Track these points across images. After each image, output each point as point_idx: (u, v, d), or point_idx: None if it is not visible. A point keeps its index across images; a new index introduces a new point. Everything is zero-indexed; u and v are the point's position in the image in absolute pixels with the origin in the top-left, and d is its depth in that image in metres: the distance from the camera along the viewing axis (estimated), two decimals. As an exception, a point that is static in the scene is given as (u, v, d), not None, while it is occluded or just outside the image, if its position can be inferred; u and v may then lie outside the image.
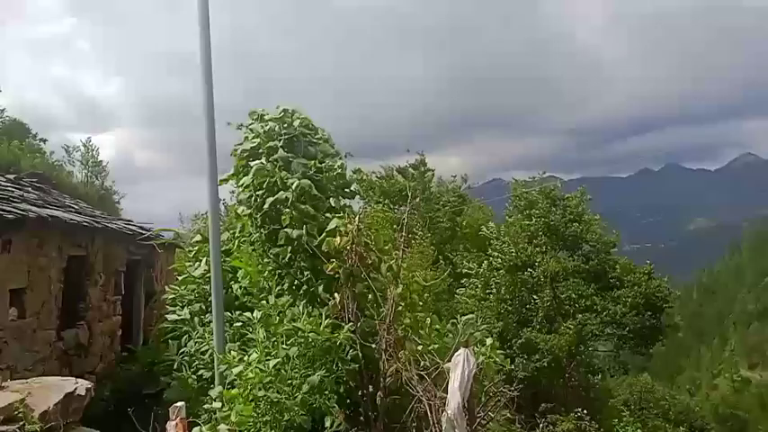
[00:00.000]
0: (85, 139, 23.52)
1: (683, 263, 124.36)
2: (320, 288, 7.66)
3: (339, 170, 8.17)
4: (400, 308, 7.33)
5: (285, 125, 8.17)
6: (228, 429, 5.45)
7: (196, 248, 9.80)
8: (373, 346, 7.02)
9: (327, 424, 6.52)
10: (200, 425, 5.96)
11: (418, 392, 6.43)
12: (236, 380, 6.15)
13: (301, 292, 7.90)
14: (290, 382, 5.99)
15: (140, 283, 13.86)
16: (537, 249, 20.65)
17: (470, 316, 8.31)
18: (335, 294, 7.27)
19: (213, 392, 6.34)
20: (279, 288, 8.11)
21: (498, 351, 7.32)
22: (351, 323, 7.01)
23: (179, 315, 9.13)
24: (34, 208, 9.04)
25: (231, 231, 9.09)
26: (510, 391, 6.49)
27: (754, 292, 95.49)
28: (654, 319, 21.03)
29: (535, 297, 19.90)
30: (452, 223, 26.59)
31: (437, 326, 8.08)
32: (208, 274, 8.37)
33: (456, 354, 5.99)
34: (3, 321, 8.08)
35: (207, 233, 8.51)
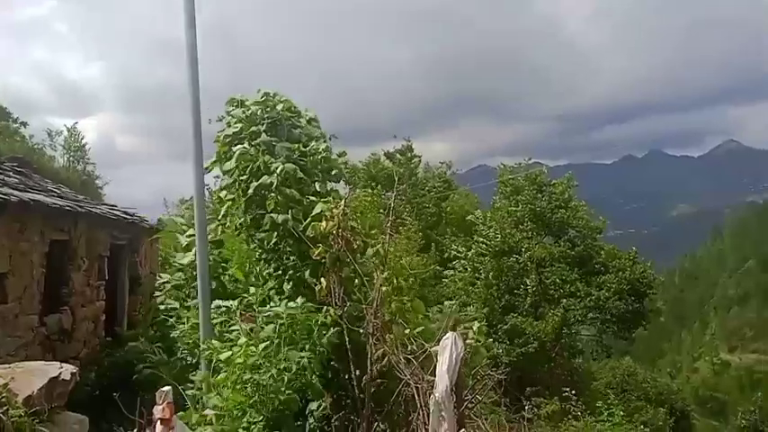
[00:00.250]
0: (69, 124, 23.15)
1: (666, 248, 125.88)
2: (306, 273, 7.64)
3: (324, 153, 8.12)
4: (387, 292, 7.34)
5: (267, 109, 8.09)
6: (215, 414, 5.43)
7: (186, 236, 9.71)
8: (360, 330, 7.02)
9: (314, 407, 6.54)
10: (186, 409, 5.95)
11: (406, 376, 6.45)
12: (222, 366, 6.13)
13: (287, 277, 7.88)
14: (275, 364, 5.96)
15: (124, 267, 13.72)
16: (523, 235, 20.75)
17: (452, 302, 8.36)
18: (322, 279, 7.25)
19: (197, 378, 6.31)
20: (266, 273, 8.09)
21: (485, 336, 7.37)
22: (337, 307, 7.02)
23: (167, 304, 9.10)
24: (15, 192, 8.87)
25: (218, 219, 9.03)
26: (497, 374, 6.53)
27: (735, 277, 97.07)
28: (637, 304, 21.31)
29: (521, 283, 20.01)
30: (438, 209, 26.66)
31: (423, 310, 8.11)
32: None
33: (444, 337, 6.00)
34: (-16, 306, 7.97)
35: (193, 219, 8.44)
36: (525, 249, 20.07)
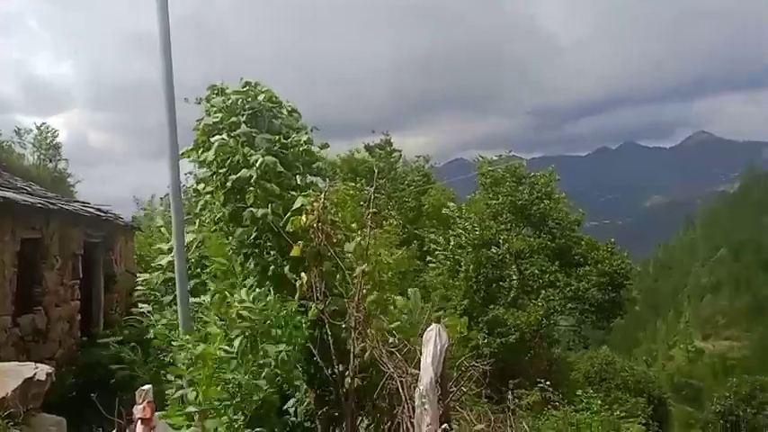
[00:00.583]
0: (39, 121, 22.48)
1: (640, 239, 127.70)
2: (286, 268, 7.53)
3: (305, 145, 8.00)
4: (368, 286, 7.27)
5: (248, 99, 7.94)
6: (196, 411, 5.32)
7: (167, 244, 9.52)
8: (342, 324, 6.95)
9: (295, 403, 6.46)
10: (165, 409, 5.82)
11: (389, 369, 6.40)
12: (197, 361, 6.00)
13: (268, 273, 7.77)
14: (252, 360, 5.84)
15: (99, 266, 13.45)
16: (502, 227, 20.83)
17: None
18: (303, 274, 7.15)
19: (172, 374, 6.17)
20: (245, 269, 7.96)
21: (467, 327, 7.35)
22: (319, 302, 6.93)
23: (142, 305, 8.93)
24: (-16, 189, 8.64)
25: (194, 213, 8.84)
26: (481, 365, 6.51)
27: (708, 266, 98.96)
28: (614, 294, 21.59)
29: (500, 275, 20.08)
30: (418, 203, 26.65)
31: (404, 303, 8.06)
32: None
33: (428, 329, 5.96)
34: (-46, 308, 7.74)
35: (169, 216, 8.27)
36: (504, 241, 20.14)
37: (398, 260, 9.77)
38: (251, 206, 7.46)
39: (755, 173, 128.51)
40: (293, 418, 6.52)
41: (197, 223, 8.55)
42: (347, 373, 6.72)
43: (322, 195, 7.56)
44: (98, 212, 13.06)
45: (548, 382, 15.85)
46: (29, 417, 3.66)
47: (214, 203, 7.94)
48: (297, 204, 7.40)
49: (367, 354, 6.77)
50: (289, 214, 7.41)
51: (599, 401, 16.22)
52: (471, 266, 19.95)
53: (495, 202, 21.71)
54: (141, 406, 3.95)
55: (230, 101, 7.86)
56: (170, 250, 8.89)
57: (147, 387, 4.07)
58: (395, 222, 19.83)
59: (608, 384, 21.50)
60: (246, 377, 5.63)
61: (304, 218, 7.21)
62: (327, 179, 8.68)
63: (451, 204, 23.48)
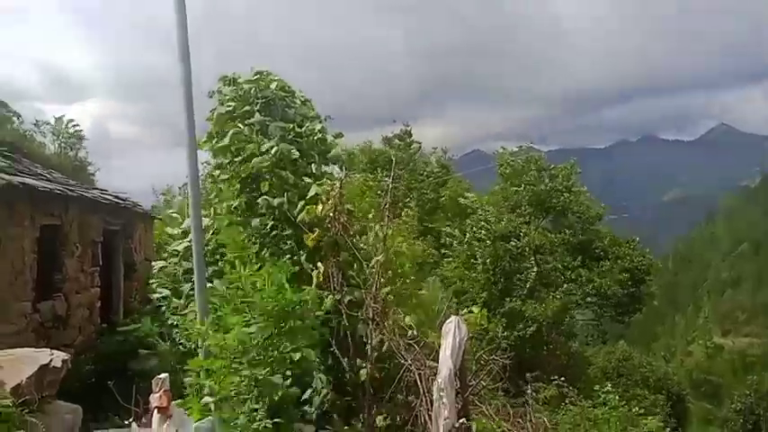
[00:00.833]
0: (62, 110, 22.64)
1: (659, 233, 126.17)
2: (303, 258, 7.45)
3: (320, 134, 7.90)
4: (386, 277, 7.19)
5: (260, 88, 7.86)
6: (213, 402, 5.28)
7: (179, 227, 9.51)
8: (359, 315, 6.88)
9: (308, 394, 6.39)
10: (185, 397, 5.77)
11: (407, 362, 6.32)
12: (217, 350, 5.94)
13: (284, 261, 7.70)
14: (271, 356, 5.75)
15: (119, 254, 13.51)
16: (521, 219, 20.63)
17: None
18: (319, 264, 7.08)
19: (192, 364, 6.14)
20: (261, 258, 7.90)
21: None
22: (336, 292, 6.86)
23: (160, 292, 8.92)
24: (4, 175, 8.65)
25: (211, 201, 8.79)
26: (501, 359, 6.40)
27: (728, 260, 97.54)
28: (633, 289, 21.34)
29: (519, 268, 19.87)
30: (436, 194, 26.45)
31: (423, 294, 7.98)
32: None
33: (447, 321, 5.86)
34: (-26, 293, 7.78)
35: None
36: (524, 234, 19.93)
37: (416, 251, 9.68)
38: (266, 194, 7.38)
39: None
40: (311, 409, 6.46)
41: (212, 212, 8.50)
42: (364, 364, 6.65)
43: (338, 184, 7.47)
44: (116, 200, 13.10)
45: (563, 378, 15.73)
46: (44, 404, 3.62)
47: (230, 192, 7.88)
48: (311, 193, 7.32)
49: (385, 346, 6.69)
50: (303, 203, 7.34)
51: (617, 397, 16.05)
52: (489, 259, 19.74)
53: (516, 189, 21.53)
54: (158, 395, 3.91)
55: (243, 90, 7.78)
56: (184, 234, 8.86)
57: (163, 376, 4.02)
58: (412, 213, 19.69)
59: (626, 380, 21.25)
60: (264, 372, 5.56)
61: (320, 207, 7.13)
62: (344, 168, 8.59)
63: (471, 195, 23.27)
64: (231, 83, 7.94)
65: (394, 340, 6.71)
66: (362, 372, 6.61)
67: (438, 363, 5.82)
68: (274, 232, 7.74)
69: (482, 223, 20.20)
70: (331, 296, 6.77)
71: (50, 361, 3.76)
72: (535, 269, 19.33)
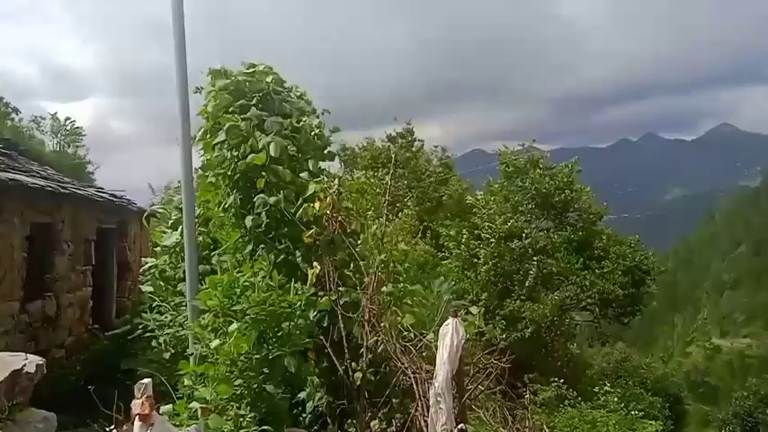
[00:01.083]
0: (61, 107, 22.48)
1: (660, 232, 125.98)
2: (298, 258, 7.26)
3: (317, 129, 7.71)
4: (383, 277, 7.01)
5: (255, 81, 7.67)
6: (202, 407, 5.09)
7: (173, 218, 9.29)
8: (355, 317, 6.70)
9: (300, 396, 6.23)
10: (173, 402, 5.58)
11: (403, 365, 6.14)
12: (211, 354, 5.76)
13: (279, 261, 7.51)
14: (262, 362, 5.56)
15: (112, 252, 13.35)
16: (522, 218, 20.46)
17: (443, 280, 8.06)
18: (315, 264, 6.89)
19: (184, 368, 5.96)
20: (255, 257, 7.70)
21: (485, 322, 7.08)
22: (331, 293, 6.68)
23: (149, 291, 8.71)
24: (-6, 172, 8.49)
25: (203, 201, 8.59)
26: (500, 362, 6.22)
27: (728, 261, 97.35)
28: (633, 290, 21.16)
29: (519, 269, 19.67)
30: (437, 194, 26.24)
31: (424, 294, 7.81)
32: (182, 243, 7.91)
33: (444, 323, 5.67)
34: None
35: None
36: (526, 235, 19.72)
37: (416, 251, 9.51)
38: (262, 192, 7.20)
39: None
40: (304, 415, 6.29)
41: (203, 209, 8.29)
42: (358, 367, 6.48)
43: (336, 182, 7.29)
44: (111, 198, 12.93)
45: (561, 381, 15.58)
46: (15, 411, 3.43)
47: (226, 188, 7.68)
48: (309, 191, 7.15)
49: (380, 348, 6.52)
50: (300, 201, 7.16)
51: (615, 399, 15.92)
52: (493, 260, 19.54)
53: (519, 186, 21.42)
54: (140, 401, 3.70)
55: (237, 83, 7.58)
56: (173, 226, 8.65)
57: (146, 380, 3.81)
58: (411, 213, 19.47)
59: (624, 382, 21.08)
60: (257, 379, 5.39)
61: (317, 205, 6.95)
62: (343, 165, 8.42)
63: (480, 193, 23.09)
64: (224, 75, 7.73)
65: (390, 343, 6.53)
66: (357, 375, 6.44)
67: (435, 366, 5.64)
68: (270, 231, 7.55)
69: (486, 223, 19.99)
70: (326, 297, 6.59)
71: (23, 366, 3.57)
72: (535, 269, 19.14)
